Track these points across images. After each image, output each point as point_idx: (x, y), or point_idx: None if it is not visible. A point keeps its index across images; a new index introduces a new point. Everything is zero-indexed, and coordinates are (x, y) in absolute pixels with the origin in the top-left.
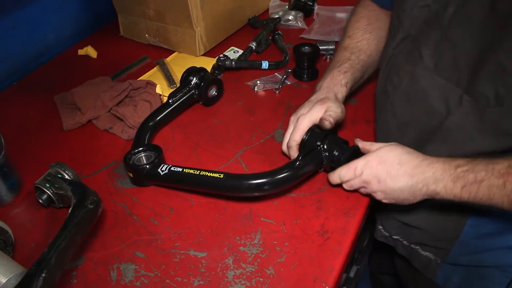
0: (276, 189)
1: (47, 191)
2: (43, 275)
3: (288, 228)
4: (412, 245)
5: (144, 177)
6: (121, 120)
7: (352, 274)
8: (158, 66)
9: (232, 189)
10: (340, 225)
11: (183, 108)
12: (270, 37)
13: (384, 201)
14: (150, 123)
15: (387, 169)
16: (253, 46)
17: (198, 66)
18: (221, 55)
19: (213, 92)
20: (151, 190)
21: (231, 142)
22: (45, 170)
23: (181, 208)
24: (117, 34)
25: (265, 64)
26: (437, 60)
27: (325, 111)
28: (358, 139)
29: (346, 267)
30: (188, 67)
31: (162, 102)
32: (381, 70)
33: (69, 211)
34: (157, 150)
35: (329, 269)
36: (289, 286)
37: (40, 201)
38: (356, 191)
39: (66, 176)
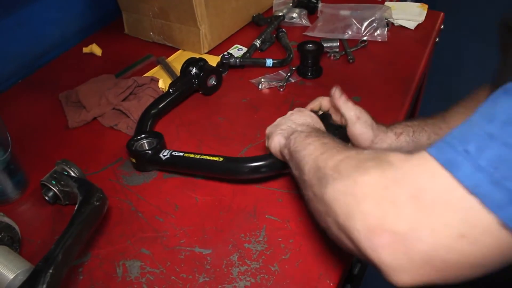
0: (274, 171)
1: (53, 188)
2: (50, 271)
3: (292, 225)
4: None
5: (146, 162)
6: (126, 116)
7: (356, 272)
8: (160, 65)
9: (231, 171)
10: None
11: (183, 97)
12: (274, 35)
13: None
14: (152, 112)
15: None
16: (257, 44)
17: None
18: (225, 53)
19: (212, 81)
20: (156, 187)
21: (236, 140)
22: (51, 168)
23: (186, 205)
24: (122, 32)
25: (269, 62)
26: None
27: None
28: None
29: (351, 264)
30: None
31: None
32: None
33: (75, 209)
34: (159, 136)
35: (334, 266)
36: (293, 283)
37: (46, 198)
38: None
39: (72, 174)
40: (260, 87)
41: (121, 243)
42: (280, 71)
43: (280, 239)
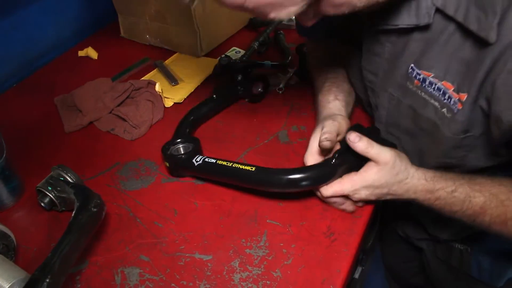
0: (313, 185)
1: (49, 194)
2: (47, 280)
3: (294, 230)
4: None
5: (180, 167)
6: (124, 120)
7: (357, 275)
8: (157, 68)
9: (262, 182)
10: (347, 226)
11: (227, 103)
12: (272, 37)
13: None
14: (192, 117)
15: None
16: (255, 46)
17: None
18: (223, 56)
19: (258, 88)
20: (154, 192)
21: (235, 143)
22: (47, 173)
23: (185, 210)
24: (118, 34)
25: (267, 65)
26: None
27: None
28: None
29: (355, 269)
30: (189, 67)
31: (163, 101)
32: None
33: (73, 215)
34: (195, 141)
35: (337, 271)
36: None
37: (42, 204)
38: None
39: (69, 179)
40: (259, 90)
41: (119, 249)
42: (278, 73)
43: (281, 244)
